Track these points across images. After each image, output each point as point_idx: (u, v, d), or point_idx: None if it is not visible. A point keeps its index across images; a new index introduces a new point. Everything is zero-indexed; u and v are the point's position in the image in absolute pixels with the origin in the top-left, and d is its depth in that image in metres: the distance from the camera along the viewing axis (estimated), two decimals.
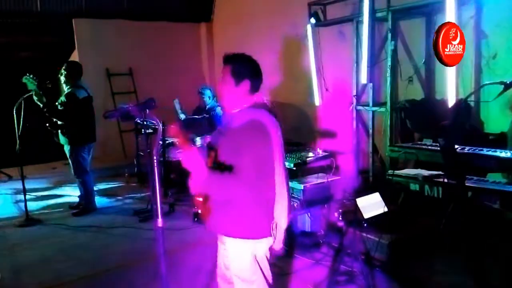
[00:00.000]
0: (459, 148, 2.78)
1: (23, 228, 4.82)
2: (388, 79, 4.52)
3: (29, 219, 4.94)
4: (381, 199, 3.18)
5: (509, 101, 3.45)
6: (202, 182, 1.96)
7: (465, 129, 3.79)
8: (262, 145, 2.01)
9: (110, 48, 7.58)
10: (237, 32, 7.64)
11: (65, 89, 4.94)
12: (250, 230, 2.08)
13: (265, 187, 2.07)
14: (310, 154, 4.33)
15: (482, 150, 2.71)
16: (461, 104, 3.46)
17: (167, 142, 5.77)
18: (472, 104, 4.09)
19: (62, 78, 4.90)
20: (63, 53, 7.60)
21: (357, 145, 5.24)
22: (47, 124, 4.91)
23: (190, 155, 1.90)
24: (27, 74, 4.66)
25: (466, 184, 2.48)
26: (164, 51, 8.06)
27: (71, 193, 5.82)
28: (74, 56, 7.53)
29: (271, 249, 2.19)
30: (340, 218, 3.49)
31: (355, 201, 3.14)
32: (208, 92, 5.89)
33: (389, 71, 4.50)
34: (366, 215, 3.10)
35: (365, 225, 3.18)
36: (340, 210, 3.62)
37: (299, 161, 4.12)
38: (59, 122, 4.87)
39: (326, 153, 4.40)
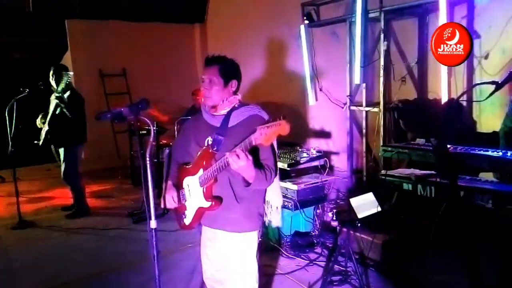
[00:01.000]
0: (451, 147, 2.79)
1: (16, 230, 4.79)
2: (381, 79, 4.54)
3: (22, 222, 4.91)
4: (374, 199, 3.20)
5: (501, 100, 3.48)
6: (253, 182, 1.98)
7: (457, 129, 3.81)
8: None
9: (103, 49, 7.54)
10: (231, 33, 7.63)
11: (57, 91, 4.90)
12: (257, 220, 2.21)
13: None
14: (304, 154, 4.34)
15: (474, 149, 2.73)
16: (453, 103, 3.48)
17: (160, 143, 5.77)
18: (464, 103, 4.12)
19: (53, 82, 4.86)
20: (56, 54, 7.56)
21: (351, 145, 5.25)
22: (40, 144, 4.90)
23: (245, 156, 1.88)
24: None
25: (459, 184, 2.49)
26: (157, 52, 8.04)
27: (64, 195, 5.78)
28: (67, 57, 7.49)
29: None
30: (334, 218, 3.49)
31: (349, 201, 3.15)
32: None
33: (382, 71, 4.52)
34: (360, 215, 3.11)
35: (359, 225, 3.19)
36: (334, 210, 3.63)
37: (293, 161, 4.13)
38: (45, 132, 4.85)
39: (320, 153, 4.41)
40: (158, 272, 2.24)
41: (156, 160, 5.52)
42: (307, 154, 4.35)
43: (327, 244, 4.01)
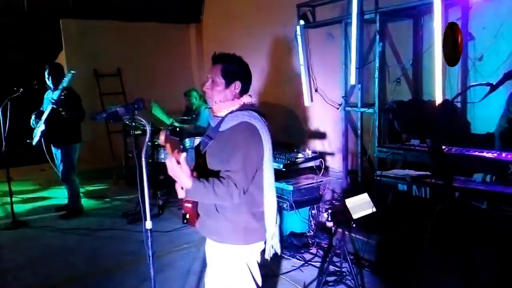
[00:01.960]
0: (446, 148, 2.81)
1: (9, 230, 4.75)
2: (376, 80, 4.55)
3: (15, 222, 4.87)
4: (369, 199, 3.20)
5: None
6: (187, 191, 1.87)
7: (452, 130, 3.84)
8: (253, 148, 1.95)
9: (98, 48, 7.50)
10: (226, 33, 7.63)
11: (52, 91, 4.87)
12: (244, 235, 2.04)
13: (256, 190, 2.03)
14: (299, 155, 4.35)
15: (469, 150, 2.74)
16: (448, 105, 3.50)
17: (156, 143, 5.74)
18: (458, 105, 4.15)
19: (49, 82, 4.83)
20: (50, 54, 7.51)
21: (346, 145, 5.26)
22: (34, 144, 4.87)
23: (175, 164, 1.81)
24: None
25: (454, 185, 2.51)
26: (153, 52, 8.01)
27: (59, 196, 5.75)
28: (61, 57, 7.45)
29: (262, 253, 2.16)
30: (329, 219, 3.49)
31: (344, 202, 3.16)
32: (194, 94, 5.90)
33: (377, 72, 4.54)
34: (355, 215, 3.11)
35: (354, 225, 3.19)
36: (329, 211, 3.63)
37: (288, 161, 4.14)
38: (41, 132, 4.83)
39: (315, 154, 4.43)
40: (153, 272, 2.24)
41: (151, 161, 5.50)
42: (303, 154, 4.36)
43: (322, 244, 4.03)
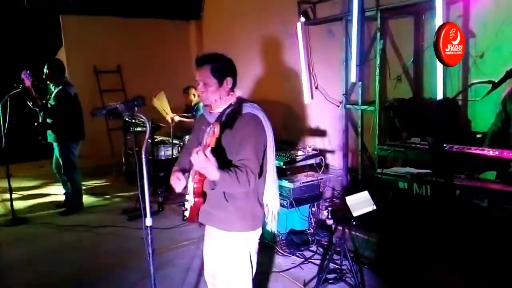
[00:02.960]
0: (447, 146, 2.80)
1: (9, 227, 4.75)
2: (377, 78, 4.54)
3: (15, 218, 4.87)
4: (370, 197, 3.20)
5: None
6: (216, 183, 1.93)
7: (452, 128, 3.82)
8: (260, 136, 2.08)
9: (98, 45, 7.48)
10: (226, 29, 7.60)
11: (52, 87, 4.88)
12: (251, 221, 2.16)
13: (261, 178, 2.13)
14: (300, 153, 4.34)
15: (470, 148, 2.73)
16: (448, 103, 3.49)
17: (156, 140, 5.74)
18: (459, 103, 4.13)
19: (47, 78, 4.82)
20: (50, 50, 7.49)
21: (346, 143, 5.25)
22: (36, 124, 4.85)
23: (204, 158, 1.83)
24: (26, 70, 4.60)
25: (454, 183, 2.50)
26: (153, 48, 7.99)
27: (58, 192, 5.75)
28: (61, 53, 7.42)
29: (261, 238, 2.27)
30: (329, 216, 3.50)
31: (344, 199, 3.15)
32: (192, 90, 5.90)
33: (378, 70, 4.52)
34: (355, 213, 3.11)
35: (354, 223, 3.19)
36: (330, 208, 3.63)
37: (288, 159, 4.13)
38: (48, 121, 4.82)
39: (316, 151, 4.42)
40: (153, 269, 2.23)
41: (151, 157, 5.50)
42: (303, 152, 4.35)
43: (322, 242, 4.02)
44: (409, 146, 3.17)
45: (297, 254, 3.83)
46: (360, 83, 4.87)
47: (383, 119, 4.56)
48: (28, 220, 4.95)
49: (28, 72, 4.60)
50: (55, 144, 4.99)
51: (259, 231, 2.23)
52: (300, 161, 4.21)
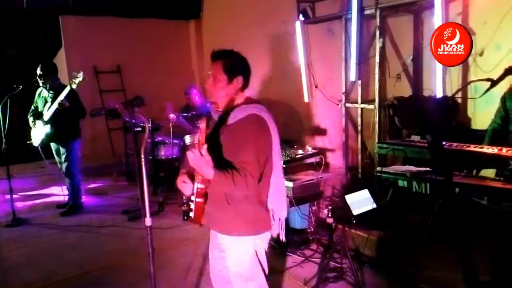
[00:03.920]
0: (446, 144, 2.80)
1: (10, 228, 4.76)
2: (377, 76, 4.55)
3: (16, 219, 4.88)
4: (370, 195, 3.20)
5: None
6: (210, 182, 1.93)
7: (452, 126, 3.83)
8: (263, 138, 2.02)
9: (98, 45, 7.49)
10: (226, 29, 7.61)
11: (47, 89, 4.86)
12: (254, 225, 2.10)
13: (265, 181, 2.07)
14: (300, 151, 4.34)
15: (469, 146, 2.73)
16: (448, 100, 3.50)
17: (156, 140, 5.74)
18: (459, 100, 4.14)
19: (41, 81, 4.82)
20: (50, 51, 7.50)
21: (346, 142, 5.26)
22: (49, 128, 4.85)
23: (199, 155, 1.85)
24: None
25: (454, 180, 2.50)
26: (152, 48, 8.00)
27: (59, 193, 5.76)
28: (61, 54, 7.43)
29: (270, 244, 2.22)
30: (330, 215, 3.49)
31: (344, 198, 3.16)
32: (194, 91, 5.90)
33: (377, 68, 4.53)
34: (355, 211, 3.11)
35: (354, 221, 3.19)
36: (330, 207, 3.63)
37: (288, 158, 4.13)
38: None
39: (316, 150, 4.42)
40: (153, 269, 2.24)
41: (151, 158, 5.50)
42: (303, 151, 4.35)
43: (323, 241, 4.02)
44: (409, 144, 3.17)
45: (297, 253, 3.83)
46: (360, 81, 4.87)
47: (382, 117, 4.57)
48: (28, 221, 4.95)
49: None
50: (60, 145, 4.98)
51: (265, 236, 2.16)
52: (300, 160, 4.21)
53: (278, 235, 2.24)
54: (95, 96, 7.39)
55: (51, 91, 4.79)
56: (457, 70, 4.12)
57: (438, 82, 3.96)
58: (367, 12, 4.60)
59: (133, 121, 2.28)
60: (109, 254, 4.03)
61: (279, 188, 2.14)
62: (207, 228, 2.27)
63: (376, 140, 4.46)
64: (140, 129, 5.26)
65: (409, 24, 4.62)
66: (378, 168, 3.29)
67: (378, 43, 4.49)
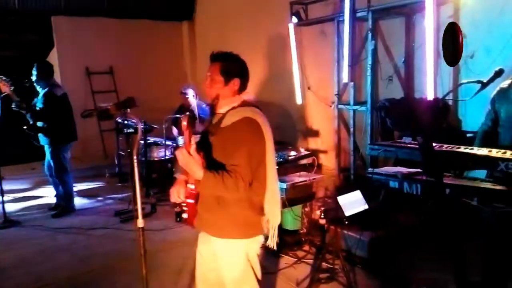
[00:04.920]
0: (437, 146, 2.83)
1: (1, 230, 4.71)
2: (369, 78, 4.58)
3: (7, 221, 4.84)
4: (362, 196, 3.22)
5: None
6: (199, 182, 1.93)
7: (443, 128, 3.86)
8: (256, 142, 2.02)
9: (90, 46, 7.46)
10: (219, 31, 7.61)
11: (39, 89, 4.85)
12: (245, 229, 2.09)
13: (257, 185, 2.06)
14: (292, 153, 4.35)
15: (459, 147, 2.76)
16: (439, 102, 3.53)
17: (149, 141, 5.73)
18: (450, 102, 4.18)
19: (34, 80, 4.80)
20: (42, 51, 7.45)
21: (339, 143, 5.28)
22: (25, 128, 4.81)
23: (187, 155, 1.87)
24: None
25: (444, 181, 2.52)
26: (145, 50, 7.98)
27: (50, 194, 5.72)
28: (53, 54, 7.39)
29: (262, 246, 2.21)
30: (322, 216, 3.50)
31: (337, 199, 3.17)
32: (191, 91, 5.87)
33: (369, 70, 4.56)
34: (347, 212, 3.13)
35: (346, 222, 3.21)
36: (322, 208, 3.64)
37: (281, 159, 4.14)
38: (38, 124, 4.79)
39: (308, 152, 4.44)
40: (145, 271, 2.23)
41: (144, 159, 5.48)
42: (295, 152, 4.37)
43: (315, 242, 4.03)
44: (400, 146, 3.19)
45: (290, 254, 3.84)
46: (352, 83, 4.90)
47: (374, 119, 4.60)
48: (20, 223, 4.91)
49: (2, 77, 4.56)
50: (46, 147, 4.96)
51: (257, 239, 2.15)
52: (292, 161, 4.22)
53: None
54: (87, 97, 7.35)
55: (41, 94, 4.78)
56: (448, 72, 4.17)
57: (429, 84, 3.99)
58: (359, 14, 4.63)
59: (126, 122, 2.28)
60: (101, 256, 4.01)
61: (272, 193, 2.12)
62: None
63: (368, 142, 4.48)
64: (132, 130, 5.26)
65: (401, 26, 4.66)
66: (370, 169, 3.31)
67: (370, 45, 4.52)
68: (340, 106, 5.19)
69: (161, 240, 4.29)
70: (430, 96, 3.93)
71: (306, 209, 4.28)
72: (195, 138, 2.02)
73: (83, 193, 6.11)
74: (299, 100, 5.80)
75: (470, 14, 4.03)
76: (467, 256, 2.53)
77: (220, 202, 2.04)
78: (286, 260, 3.74)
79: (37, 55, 6.94)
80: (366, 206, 3.17)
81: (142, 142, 5.54)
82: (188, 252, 3.93)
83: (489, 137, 3.14)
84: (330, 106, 5.36)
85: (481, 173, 3.00)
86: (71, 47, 7.33)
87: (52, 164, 4.98)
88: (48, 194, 5.95)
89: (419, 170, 2.94)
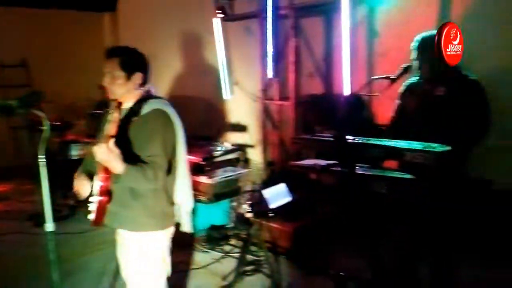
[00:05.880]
0: (351, 138, 2.97)
1: None
2: (291, 74, 4.70)
3: None
4: (286, 189, 3.31)
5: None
6: (122, 176, 1.89)
7: (359, 121, 4.08)
8: (168, 132, 2.04)
9: (0, 37, 6.82)
10: (143, 24, 7.35)
11: None
12: (162, 220, 2.10)
13: (171, 176, 2.09)
14: (219, 148, 4.36)
15: (370, 139, 2.93)
16: (354, 98, 3.72)
17: (67, 139, 5.39)
18: (366, 97, 4.42)
19: None
20: None
21: (265, 138, 5.38)
22: None
23: (106, 149, 1.82)
24: None
25: (357, 172, 2.67)
26: (63, 41, 7.47)
27: None
28: None
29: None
30: (249, 210, 3.56)
31: (261, 192, 3.23)
32: None
33: (292, 66, 4.68)
34: (273, 205, 3.20)
35: (271, 215, 3.29)
36: (249, 202, 3.70)
37: (207, 155, 4.13)
38: None
39: (235, 147, 4.47)
40: (58, 276, 2.13)
41: (61, 158, 5.15)
42: (222, 147, 4.38)
43: (242, 235, 4.09)
44: (319, 139, 3.32)
45: (216, 249, 3.85)
46: (277, 79, 5.00)
47: (298, 113, 4.74)
48: None
49: None
50: None
51: (170, 230, 2.18)
52: (219, 156, 4.23)
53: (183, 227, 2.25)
54: None
55: None
56: (364, 69, 4.41)
57: (346, 81, 4.20)
58: (282, 12, 4.73)
59: (32, 119, 2.12)
60: (11, 263, 3.72)
61: (183, 180, 2.16)
62: None
63: (291, 136, 4.62)
64: (45, 127, 4.92)
65: (321, 25, 4.84)
66: (291, 162, 3.42)
67: (292, 43, 4.65)
68: (266, 101, 5.28)
69: (82, 243, 4.07)
70: (346, 92, 4.14)
71: (234, 204, 4.32)
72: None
73: None
74: (225, 95, 5.81)
75: (383, 14, 4.29)
76: (381, 243, 2.71)
77: (135, 196, 2.02)
78: (212, 255, 3.75)
79: None
80: (290, 198, 3.27)
81: (50, 139, 5.20)
82: (110, 253, 3.77)
83: (398, 129, 3.38)
84: (256, 101, 5.43)
85: None
86: None
87: None
88: None
89: (335, 161, 3.09)
